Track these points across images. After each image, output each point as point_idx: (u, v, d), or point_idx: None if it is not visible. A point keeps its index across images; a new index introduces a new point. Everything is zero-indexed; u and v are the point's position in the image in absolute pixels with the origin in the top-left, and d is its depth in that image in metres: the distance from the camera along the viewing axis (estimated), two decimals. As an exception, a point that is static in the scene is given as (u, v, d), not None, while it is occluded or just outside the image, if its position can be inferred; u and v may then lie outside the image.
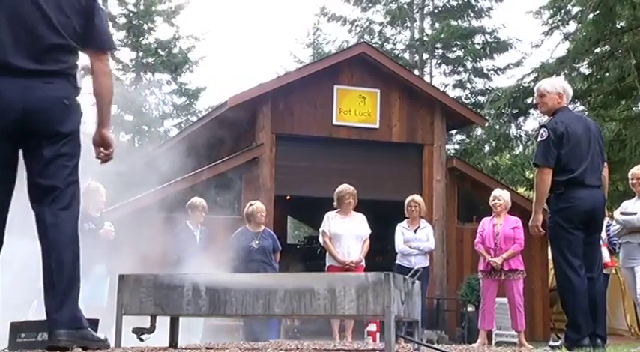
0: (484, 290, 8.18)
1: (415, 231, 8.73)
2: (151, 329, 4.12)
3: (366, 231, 8.40)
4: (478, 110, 19.68)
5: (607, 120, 17.40)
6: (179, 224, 8.74)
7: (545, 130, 5.12)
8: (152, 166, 10.31)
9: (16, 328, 3.84)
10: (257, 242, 8.30)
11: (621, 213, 7.05)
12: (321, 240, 8.45)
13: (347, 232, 8.26)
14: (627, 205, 7.15)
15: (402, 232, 8.75)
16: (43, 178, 3.25)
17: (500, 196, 8.31)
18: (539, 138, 5.21)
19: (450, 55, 24.99)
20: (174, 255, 8.43)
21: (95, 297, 7.19)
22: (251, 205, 8.62)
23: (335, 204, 8.43)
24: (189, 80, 25.44)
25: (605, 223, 7.31)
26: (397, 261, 8.72)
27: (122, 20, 24.13)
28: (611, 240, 8.13)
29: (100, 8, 3.44)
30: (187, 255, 8.34)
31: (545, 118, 5.53)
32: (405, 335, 4.58)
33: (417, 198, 9.05)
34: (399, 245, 8.71)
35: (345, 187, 8.44)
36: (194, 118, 22.97)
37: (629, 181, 7.20)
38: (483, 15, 24.46)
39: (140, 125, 23.96)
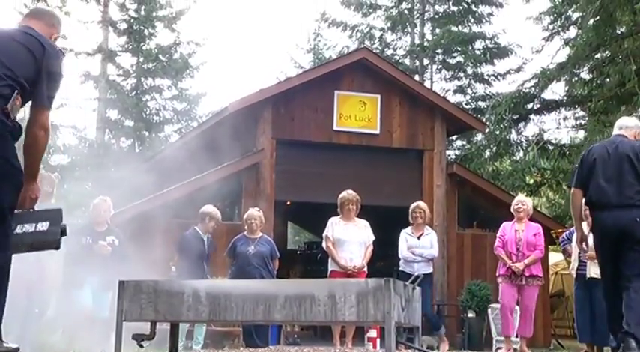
0: (503, 295, 8.08)
1: (419, 238, 8.71)
2: (151, 335, 4.12)
3: (370, 237, 8.39)
4: (478, 116, 19.68)
5: (607, 126, 17.34)
6: (189, 228, 8.79)
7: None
8: (152, 172, 10.29)
9: None
10: (253, 247, 8.32)
11: None
12: (324, 244, 8.44)
13: (350, 238, 8.26)
14: None
15: (406, 239, 8.72)
16: None
17: (524, 201, 8.28)
18: None
19: (451, 61, 24.97)
20: (185, 259, 8.44)
21: (97, 308, 7.21)
22: (247, 212, 8.68)
23: (339, 210, 8.44)
24: (189, 85, 25.39)
25: None
26: (400, 268, 8.70)
27: (123, 26, 24.08)
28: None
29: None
30: (195, 258, 8.37)
31: None
32: (405, 342, 4.58)
33: (422, 204, 9.00)
34: (403, 251, 8.67)
35: (346, 194, 8.43)
36: (195, 124, 22.94)
37: None
38: (484, 21, 24.45)
39: (140, 130, 23.92)
